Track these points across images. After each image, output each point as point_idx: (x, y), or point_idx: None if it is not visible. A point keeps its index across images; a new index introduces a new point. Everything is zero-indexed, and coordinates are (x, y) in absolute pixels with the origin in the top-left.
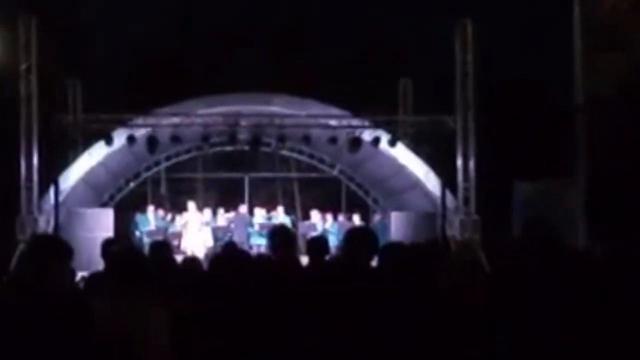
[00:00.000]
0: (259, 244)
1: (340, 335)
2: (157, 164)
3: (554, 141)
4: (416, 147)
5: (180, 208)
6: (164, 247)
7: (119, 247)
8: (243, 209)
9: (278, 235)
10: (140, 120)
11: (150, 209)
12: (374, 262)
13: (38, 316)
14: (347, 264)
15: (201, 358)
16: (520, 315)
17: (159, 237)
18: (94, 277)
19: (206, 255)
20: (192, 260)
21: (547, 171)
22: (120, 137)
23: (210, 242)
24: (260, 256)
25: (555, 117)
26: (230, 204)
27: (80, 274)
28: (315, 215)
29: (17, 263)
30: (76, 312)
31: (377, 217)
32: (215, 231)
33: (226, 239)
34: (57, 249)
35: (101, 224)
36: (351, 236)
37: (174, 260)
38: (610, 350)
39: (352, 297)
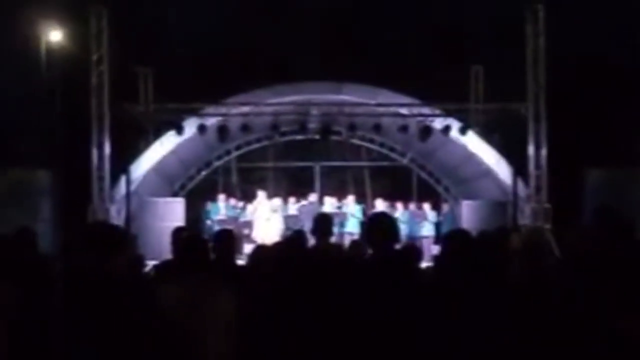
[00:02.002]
0: None
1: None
2: (228, 153)
3: (627, 129)
4: (487, 135)
5: (251, 197)
6: (229, 235)
7: (186, 235)
8: (313, 197)
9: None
10: (211, 110)
11: (221, 197)
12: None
13: (99, 303)
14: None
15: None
16: (587, 302)
17: (230, 226)
18: (163, 265)
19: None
20: (261, 249)
21: (620, 159)
22: (191, 127)
23: (279, 232)
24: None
25: (630, 104)
26: (301, 193)
27: (151, 263)
28: (379, 203)
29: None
30: (137, 298)
31: (446, 207)
32: (286, 220)
33: (297, 227)
34: (114, 237)
35: (172, 213)
36: (370, 223)
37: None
38: None
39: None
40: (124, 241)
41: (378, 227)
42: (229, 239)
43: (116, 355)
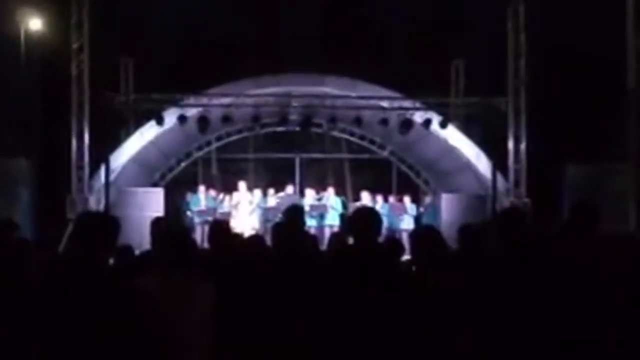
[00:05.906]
0: (309, 225)
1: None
2: (208, 144)
3: (606, 124)
4: (467, 129)
5: (231, 188)
6: (223, 226)
7: (164, 226)
8: (290, 189)
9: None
10: (191, 100)
11: (201, 189)
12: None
13: (83, 290)
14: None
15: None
16: (548, 303)
17: (209, 217)
18: (142, 256)
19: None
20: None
21: (599, 155)
22: (171, 117)
23: (258, 223)
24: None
25: (609, 100)
26: (281, 185)
27: None
28: (365, 196)
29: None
30: (119, 287)
31: (428, 199)
32: (266, 212)
33: (276, 219)
34: (104, 225)
35: (152, 203)
36: (357, 216)
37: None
38: None
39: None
40: (113, 231)
41: (363, 219)
42: (224, 230)
43: (96, 347)
